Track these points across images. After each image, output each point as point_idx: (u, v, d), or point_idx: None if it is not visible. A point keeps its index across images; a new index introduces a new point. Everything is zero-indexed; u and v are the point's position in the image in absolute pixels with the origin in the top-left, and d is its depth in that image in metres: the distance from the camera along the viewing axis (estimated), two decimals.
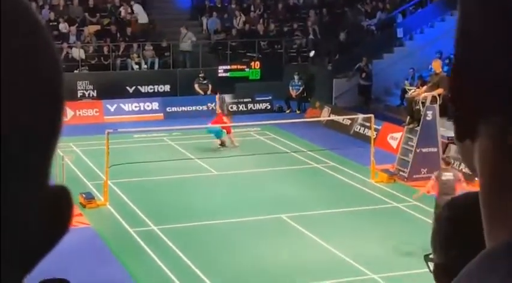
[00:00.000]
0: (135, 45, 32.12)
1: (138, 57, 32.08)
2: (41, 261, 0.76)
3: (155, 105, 30.52)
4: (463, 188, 15.44)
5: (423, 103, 21.67)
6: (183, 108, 30.41)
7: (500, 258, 0.73)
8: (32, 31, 0.74)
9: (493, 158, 0.77)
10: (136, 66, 32.10)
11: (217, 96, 27.91)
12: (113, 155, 20.28)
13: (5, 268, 0.71)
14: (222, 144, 24.67)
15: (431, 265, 2.15)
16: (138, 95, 31.20)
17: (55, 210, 0.77)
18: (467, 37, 0.79)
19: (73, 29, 32.38)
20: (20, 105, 0.72)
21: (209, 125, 24.56)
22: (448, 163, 16.62)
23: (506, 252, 0.73)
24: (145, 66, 32.27)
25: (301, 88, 31.96)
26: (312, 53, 33.48)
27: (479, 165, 0.79)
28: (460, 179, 15.99)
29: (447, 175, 16.06)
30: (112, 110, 29.93)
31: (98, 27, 33.31)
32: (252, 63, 32.92)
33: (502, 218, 0.77)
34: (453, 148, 21.31)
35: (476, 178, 0.81)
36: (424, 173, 21.31)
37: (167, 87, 31.88)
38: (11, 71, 0.71)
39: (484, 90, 0.76)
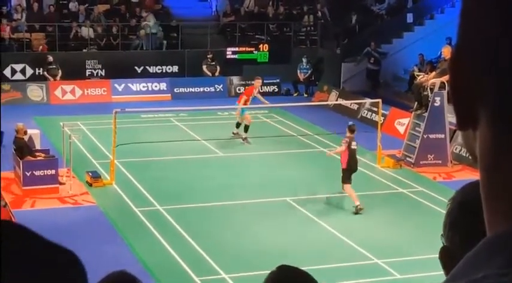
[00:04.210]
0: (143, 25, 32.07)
1: (147, 34, 32.04)
2: None
3: (163, 86, 30.50)
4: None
5: (431, 89, 21.61)
6: (191, 89, 30.39)
7: (498, 247, 0.73)
8: None
9: (492, 148, 0.77)
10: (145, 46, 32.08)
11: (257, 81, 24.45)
12: (120, 135, 20.29)
13: None
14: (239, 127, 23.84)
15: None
16: (146, 75, 31.19)
17: None
18: (470, 27, 0.79)
19: (82, 8, 32.35)
20: None
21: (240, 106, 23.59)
22: (352, 131, 17.63)
23: (503, 241, 0.73)
24: (141, 46, 32.19)
25: (309, 71, 31.88)
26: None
27: (479, 154, 0.79)
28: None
29: (354, 145, 17.52)
30: (120, 89, 29.92)
31: (108, 6, 33.26)
32: (261, 46, 32.83)
33: (500, 208, 0.77)
34: (461, 135, 21.27)
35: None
36: (430, 159, 21.29)
37: (175, 68, 31.85)
38: None
39: (482, 80, 0.77)
